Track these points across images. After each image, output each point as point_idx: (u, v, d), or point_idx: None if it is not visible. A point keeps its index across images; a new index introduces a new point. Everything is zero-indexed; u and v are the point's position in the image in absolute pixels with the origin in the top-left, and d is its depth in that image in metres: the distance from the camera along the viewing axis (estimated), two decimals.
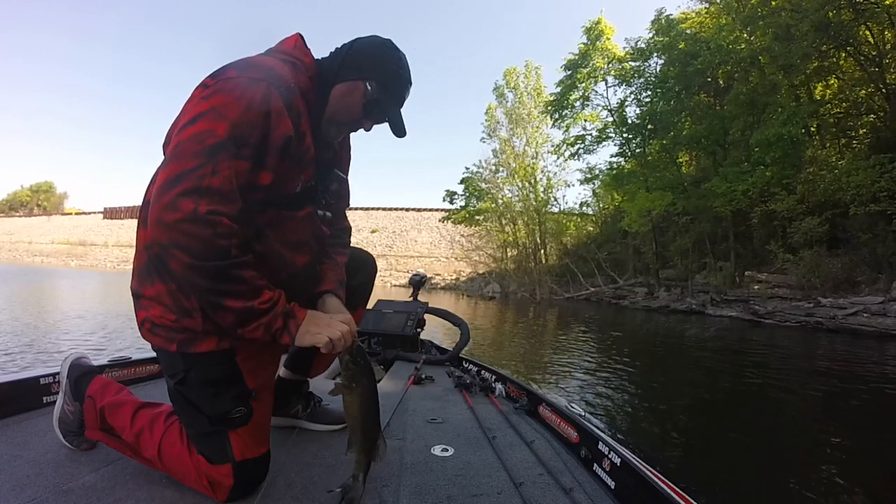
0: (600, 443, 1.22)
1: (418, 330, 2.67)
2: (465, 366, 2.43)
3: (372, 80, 1.05)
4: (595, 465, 1.22)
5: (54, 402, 1.44)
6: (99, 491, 1.00)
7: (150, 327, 1.01)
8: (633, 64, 19.21)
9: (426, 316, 2.74)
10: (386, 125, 1.12)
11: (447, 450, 1.34)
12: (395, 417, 1.64)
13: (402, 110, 1.11)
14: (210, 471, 1.00)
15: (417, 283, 2.90)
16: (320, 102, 1.06)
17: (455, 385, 2.07)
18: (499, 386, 1.97)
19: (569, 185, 35.06)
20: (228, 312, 0.90)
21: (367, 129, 1.13)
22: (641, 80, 19.04)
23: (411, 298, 2.88)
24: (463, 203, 27.15)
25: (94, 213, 59.14)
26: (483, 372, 2.23)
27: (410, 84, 1.11)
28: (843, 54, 13.51)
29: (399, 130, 1.10)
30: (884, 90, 12.82)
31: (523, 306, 16.77)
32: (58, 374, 1.46)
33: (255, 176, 0.92)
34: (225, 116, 0.86)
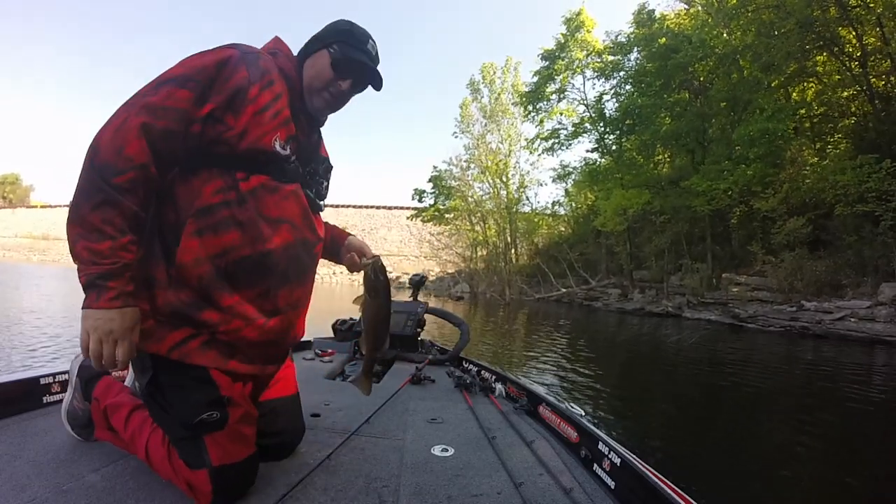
0: (600, 443, 1.23)
1: (418, 330, 2.67)
2: (465, 366, 2.43)
3: (333, 45, 1.14)
4: (595, 465, 1.23)
5: (54, 403, 1.44)
6: (99, 491, 1.00)
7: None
8: (612, 58, 18.82)
9: (426, 316, 2.73)
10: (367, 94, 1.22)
11: (447, 450, 1.35)
12: (396, 417, 1.64)
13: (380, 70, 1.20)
14: (189, 476, 0.97)
15: (417, 283, 2.89)
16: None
17: (455, 385, 2.07)
18: (499, 386, 1.98)
19: (542, 184, 34.80)
20: (70, 230, 0.88)
21: (344, 89, 1.17)
22: (622, 72, 18.59)
23: (411, 298, 2.87)
24: (432, 201, 26.52)
25: (61, 206, 57.29)
26: (483, 372, 2.23)
27: (369, 36, 1.19)
28: (824, 56, 13.45)
29: (377, 84, 1.20)
30: (868, 91, 12.64)
31: (493, 307, 16.52)
32: (58, 374, 1.49)
33: (200, 108, 0.95)
34: (183, 64, 0.97)
